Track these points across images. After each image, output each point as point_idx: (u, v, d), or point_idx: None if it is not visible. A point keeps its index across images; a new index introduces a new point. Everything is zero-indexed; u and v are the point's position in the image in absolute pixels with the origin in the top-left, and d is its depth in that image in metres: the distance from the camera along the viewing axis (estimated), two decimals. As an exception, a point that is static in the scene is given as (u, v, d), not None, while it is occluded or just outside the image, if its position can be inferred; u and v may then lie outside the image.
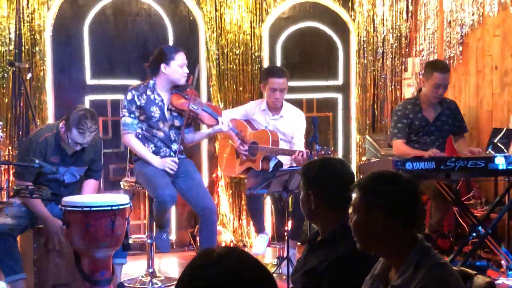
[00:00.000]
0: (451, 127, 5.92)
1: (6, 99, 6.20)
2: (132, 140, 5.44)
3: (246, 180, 6.08)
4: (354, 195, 2.63)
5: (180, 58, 5.44)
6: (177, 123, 5.51)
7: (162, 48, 5.52)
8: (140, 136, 5.48)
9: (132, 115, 5.40)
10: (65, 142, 4.90)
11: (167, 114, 5.45)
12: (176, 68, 5.42)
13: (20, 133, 6.24)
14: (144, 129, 5.46)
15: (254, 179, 5.74)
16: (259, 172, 5.86)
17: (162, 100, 5.46)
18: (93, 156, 5.16)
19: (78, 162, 5.08)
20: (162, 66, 5.40)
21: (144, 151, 5.43)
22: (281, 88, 5.94)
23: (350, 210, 2.66)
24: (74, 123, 4.78)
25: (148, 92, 5.44)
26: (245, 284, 1.70)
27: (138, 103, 5.40)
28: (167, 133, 5.48)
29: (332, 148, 5.73)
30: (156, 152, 5.46)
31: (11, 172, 6.04)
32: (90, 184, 5.23)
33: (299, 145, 5.96)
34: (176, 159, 5.41)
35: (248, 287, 1.70)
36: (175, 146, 5.52)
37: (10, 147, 6.18)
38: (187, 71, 5.48)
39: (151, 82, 5.46)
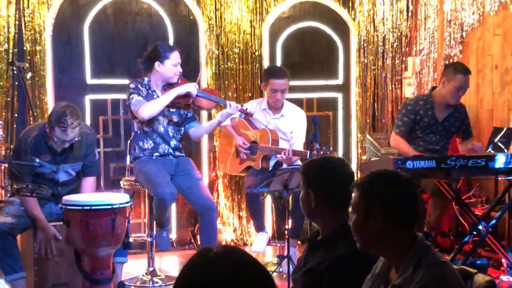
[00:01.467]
0: (457, 130, 5.93)
1: (7, 99, 6.21)
2: (147, 106, 5.33)
3: (245, 179, 6.08)
4: (353, 195, 2.62)
5: (174, 57, 5.44)
6: (174, 118, 5.53)
7: (157, 46, 5.51)
8: (139, 131, 5.49)
9: (140, 96, 5.39)
10: (53, 141, 4.88)
11: (165, 109, 5.45)
12: (170, 67, 5.43)
13: (21, 132, 6.25)
14: (144, 122, 5.46)
15: (253, 177, 5.74)
16: (259, 171, 5.86)
17: (158, 96, 5.47)
18: (84, 152, 5.11)
19: (69, 159, 5.03)
20: (156, 64, 5.42)
21: (161, 98, 5.38)
22: (282, 89, 5.94)
23: (350, 209, 2.67)
24: (55, 122, 4.74)
25: (145, 88, 5.45)
26: (242, 284, 1.69)
27: (142, 89, 5.41)
28: (166, 129, 5.49)
29: (331, 148, 5.72)
30: (155, 148, 5.47)
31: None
32: (87, 182, 5.20)
33: (298, 144, 5.97)
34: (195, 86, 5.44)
35: (246, 286, 1.70)
36: (173, 143, 5.54)
37: (10, 147, 6.18)
38: (180, 70, 5.49)
39: (146, 79, 5.48)
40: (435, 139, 5.84)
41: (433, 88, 5.94)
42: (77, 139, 4.91)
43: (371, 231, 2.55)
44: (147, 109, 5.33)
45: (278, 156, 5.70)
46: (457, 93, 5.70)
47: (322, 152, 5.09)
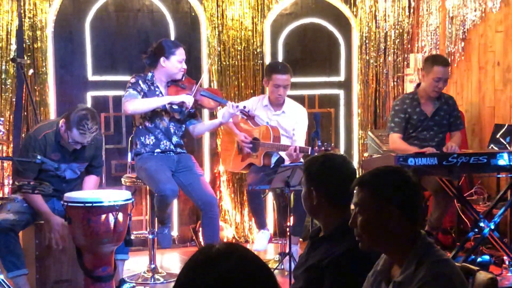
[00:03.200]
0: (449, 122, 5.92)
1: (8, 95, 6.20)
2: (135, 101, 5.34)
3: (247, 176, 6.07)
4: (359, 194, 2.58)
5: (180, 53, 5.45)
6: (177, 115, 5.54)
7: (162, 42, 5.52)
8: (141, 127, 5.49)
9: (136, 91, 5.39)
10: (66, 141, 4.89)
11: (167, 106, 5.45)
12: (175, 63, 5.44)
13: (22, 129, 6.25)
14: (147, 118, 5.46)
15: (255, 175, 5.74)
16: (261, 168, 5.85)
17: (161, 92, 5.48)
18: (94, 153, 5.16)
19: (79, 158, 5.07)
20: (162, 59, 5.42)
21: (152, 99, 5.38)
22: (285, 84, 5.93)
23: (352, 207, 2.64)
24: (75, 123, 4.76)
25: (148, 83, 5.45)
26: (244, 280, 1.69)
27: (143, 86, 5.42)
28: (168, 125, 5.50)
29: (333, 144, 5.71)
30: (156, 145, 5.48)
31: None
32: (91, 180, 5.23)
33: (300, 141, 5.96)
34: (192, 98, 5.41)
35: (248, 284, 1.69)
36: (175, 139, 5.54)
37: (11, 143, 6.18)
38: (185, 67, 5.49)
39: (150, 74, 5.49)
40: (429, 135, 5.84)
41: (418, 85, 5.94)
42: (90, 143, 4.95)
43: (385, 228, 2.51)
44: (133, 105, 5.34)
45: (286, 152, 5.67)
46: (437, 84, 5.71)
47: (323, 148, 5.08)
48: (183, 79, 5.55)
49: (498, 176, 6.16)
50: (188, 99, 5.39)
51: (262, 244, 5.90)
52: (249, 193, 5.93)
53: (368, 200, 2.55)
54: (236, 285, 1.67)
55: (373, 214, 2.54)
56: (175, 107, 5.49)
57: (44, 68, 6.35)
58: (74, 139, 4.82)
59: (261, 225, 6.00)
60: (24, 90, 6.17)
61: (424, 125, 5.83)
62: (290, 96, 6.21)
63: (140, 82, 5.43)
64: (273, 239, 6.50)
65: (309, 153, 5.30)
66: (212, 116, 6.62)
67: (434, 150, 5.48)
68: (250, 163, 6.01)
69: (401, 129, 5.80)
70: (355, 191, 2.62)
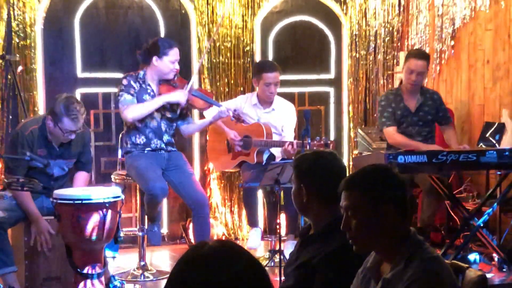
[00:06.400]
0: (435, 118, 5.94)
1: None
2: (134, 108, 5.33)
3: (241, 174, 6.08)
4: (350, 196, 2.56)
5: (173, 54, 5.42)
6: (168, 114, 5.52)
7: (158, 40, 5.49)
8: (131, 126, 5.47)
9: (130, 95, 5.37)
10: (57, 136, 4.86)
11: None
12: (167, 64, 5.41)
13: (11, 126, 6.22)
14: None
15: (248, 172, 5.73)
16: (254, 165, 5.86)
17: (153, 90, 5.46)
18: (81, 149, 5.12)
19: (65, 154, 5.03)
20: (154, 58, 5.40)
21: (149, 102, 5.36)
22: (275, 82, 5.95)
23: (342, 211, 2.61)
24: (64, 112, 4.73)
25: (140, 82, 5.43)
26: (237, 276, 1.70)
27: (134, 85, 5.39)
28: (159, 123, 5.48)
29: (331, 139, 5.71)
30: (147, 144, 5.46)
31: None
32: (81, 176, 5.20)
33: (289, 137, 5.97)
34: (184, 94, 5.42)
35: (240, 280, 1.70)
36: (166, 137, 5.52)
37: (2, 141, 6.16)
38: (178, 68, 5.47)
39: (141, 72, 5.46)
40: (414, 131, 5.86)
41: (402, 81, 5.98)
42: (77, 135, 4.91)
43: (380, 228, 2.51)
44: (133, 112, 5.33)
45: (283, 148, 5.67)
46: (410, 77, 5.73)
47: (322, 142, 5.11)
48: (175, 78, 5.53)
49: (488, 173, 6.18)
50: (182, 98, 5.38)
51: (256, 242, 5.94)
52: (244, 190, 5.95)
53: (360, 201, 2.54)
54: (229, 282, 1.67)
55: (367, 215, 2.52)
56: (166, 105, 5.45)
57: (33, 65, 6.32)
58: (68, 129, 4.79)
59: (254, 223, 6.01)
60: (13, 87, 6.14)
61: (408, 120, 5.86)
62: (280, 94, 6.22)
63: (132, 82, 5.40)
64: (263, 236, 6.51)
65: (299, 148, 5.32)
66: (202, 116, 6.60)
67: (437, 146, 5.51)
68: (242, 161, 6.01)
69: (393, 121, 5.83)
70: (343, 194, 2.61)
